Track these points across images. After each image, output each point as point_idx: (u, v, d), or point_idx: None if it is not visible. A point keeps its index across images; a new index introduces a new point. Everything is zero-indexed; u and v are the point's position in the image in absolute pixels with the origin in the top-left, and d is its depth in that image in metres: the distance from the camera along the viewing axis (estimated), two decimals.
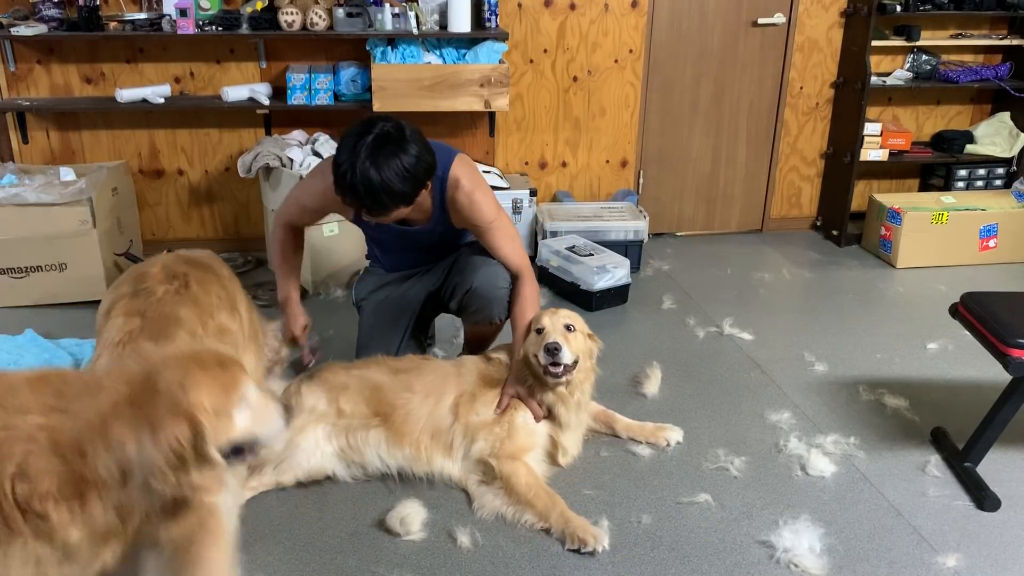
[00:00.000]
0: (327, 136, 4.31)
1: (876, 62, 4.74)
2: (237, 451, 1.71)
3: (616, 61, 4.60)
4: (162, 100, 4.14)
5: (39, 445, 1.54)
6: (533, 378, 2.58)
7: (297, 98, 4.16)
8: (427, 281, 3.00)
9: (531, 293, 2.74)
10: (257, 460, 1.79)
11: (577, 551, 2.28)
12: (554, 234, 4.31)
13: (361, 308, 3.08)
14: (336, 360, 2.81)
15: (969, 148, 4.83)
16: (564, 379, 2.53)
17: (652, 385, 3.19)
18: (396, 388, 2.60)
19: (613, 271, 3.94)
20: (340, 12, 4.03)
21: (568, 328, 2.57)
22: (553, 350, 2.48)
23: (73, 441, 1.56)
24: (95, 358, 2.21)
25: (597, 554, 2.27)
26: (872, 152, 4.69)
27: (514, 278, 2.78)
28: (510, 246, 2.75)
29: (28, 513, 1.52)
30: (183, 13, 3.96)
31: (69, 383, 1.64)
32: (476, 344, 3.01)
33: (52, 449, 1.54)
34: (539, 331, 2.57)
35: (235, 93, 4.17)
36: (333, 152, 2.58)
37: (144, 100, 4.11)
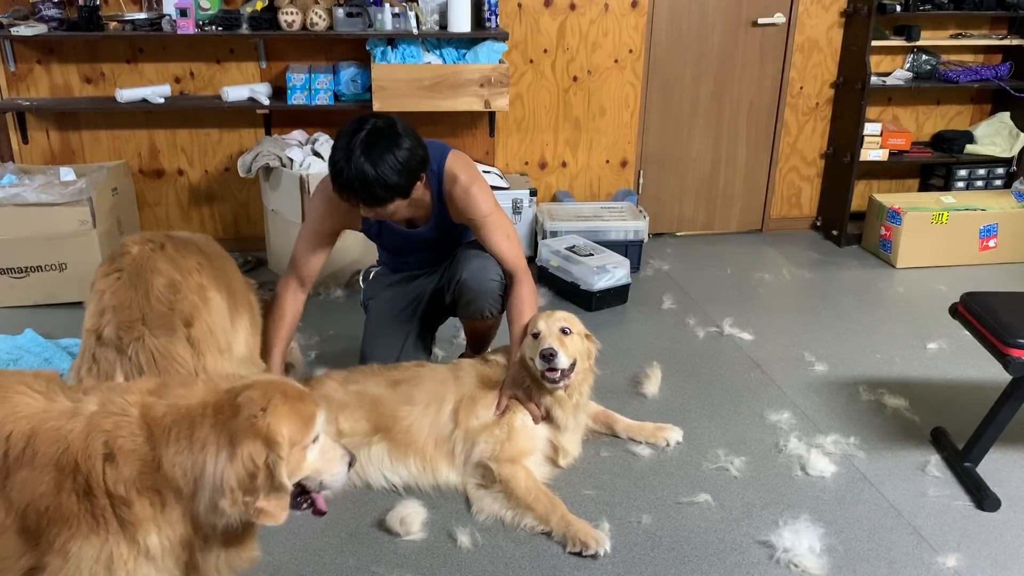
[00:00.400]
0: (327, 136, 4.31)
1: (876, 62, 4.74)
2: (299, 490, 1.68)
3: (616, 61, 4.60)
4: (162, 100, 4.14)
5: (130, 419, 1.55)
6: (531, 380, 2.58)
7: (297, 98, 4.16)
8: (431, 280, 3.01)
9: (528, 294, 2.74)
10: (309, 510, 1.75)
11: (579, 554, 2.27)
12: (554, 234, 4.31)
13: (368, 307, 3.09)
14: (337, 359, 2.81)
15: (969, 148, 4.82)
16: (562, 384, 2.53)
17: (652, 385, 3.19)
18: (396, 401, 2.58)
19: (613, 271, 3.94)
20: (340, 12, 4.02)
21: (564, 331, 2.56)
22: (549, 356, 2.47)
23: (162, 421, 1.54)
24: (85, 323, 2.24)
25: (599, 557, 2.26)
26: (872, 152, 4.69)
27: (510, 277, 2.77)
28: (506, 243, 2.75)
29: (114, 498, 1.50)
30: (183, 13, 3.96)
31: (170, 380, 1.68)
32: (475, 343, 3.01)
33: (141, 423, 1.54)
34: (535, 335, 2.56)
35: (235, 93, 4.17)
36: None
37: (144, 100, 4.11)
